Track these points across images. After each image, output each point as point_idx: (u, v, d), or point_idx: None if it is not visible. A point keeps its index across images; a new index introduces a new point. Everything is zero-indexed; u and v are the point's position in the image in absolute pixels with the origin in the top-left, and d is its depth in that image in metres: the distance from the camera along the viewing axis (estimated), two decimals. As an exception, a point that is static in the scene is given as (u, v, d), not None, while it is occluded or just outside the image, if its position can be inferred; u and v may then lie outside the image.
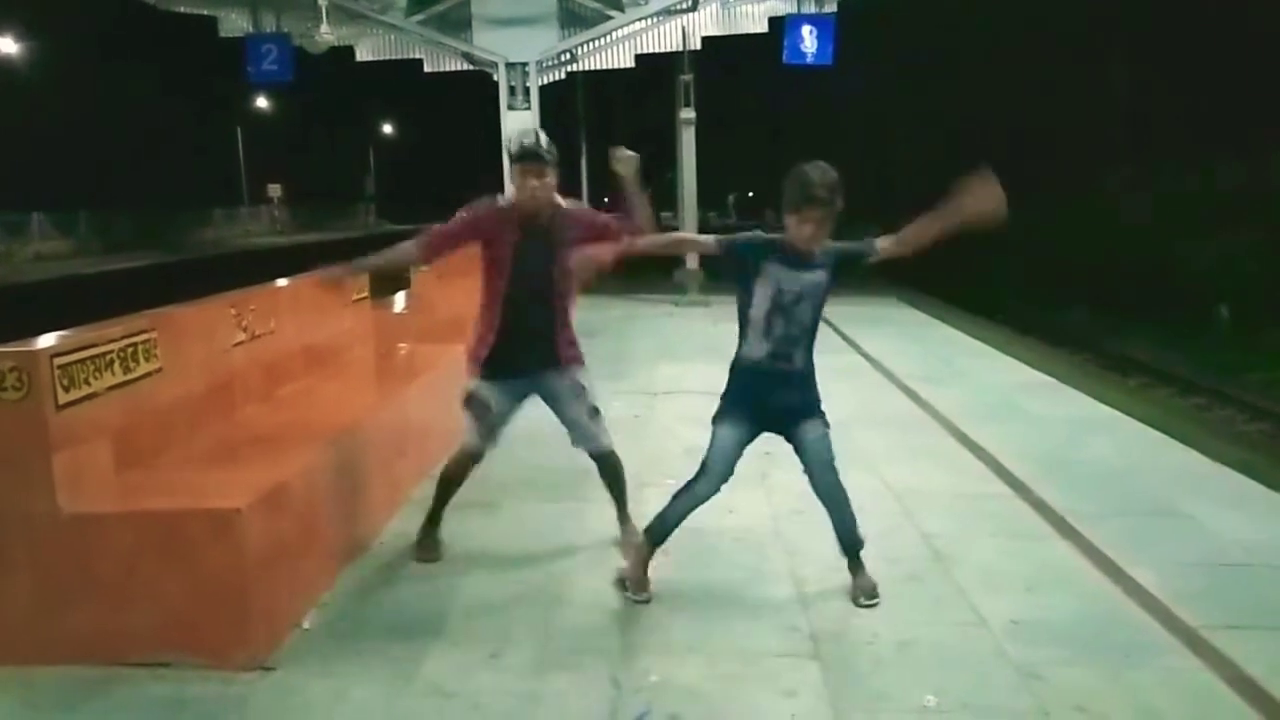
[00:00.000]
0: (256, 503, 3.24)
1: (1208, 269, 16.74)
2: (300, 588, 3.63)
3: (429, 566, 4.04)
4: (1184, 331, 14.95)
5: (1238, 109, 21.56)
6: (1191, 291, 16.33)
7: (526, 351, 3.91)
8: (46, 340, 3.25)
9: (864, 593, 3.73)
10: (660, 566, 3.96)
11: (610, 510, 4.26)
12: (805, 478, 3.72)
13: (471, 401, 3.97)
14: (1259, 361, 12.83)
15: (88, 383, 3.25)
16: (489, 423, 3.96)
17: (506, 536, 4.19)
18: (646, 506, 3.94)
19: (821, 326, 3.59)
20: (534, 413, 4.10)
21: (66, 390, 3.14)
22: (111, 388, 3.38)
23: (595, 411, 4.02)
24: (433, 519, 4.19)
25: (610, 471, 4.15)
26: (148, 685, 3.11)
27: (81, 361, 3.23)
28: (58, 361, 3.12)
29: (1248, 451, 7.42)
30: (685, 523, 4.25)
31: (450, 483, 4.13)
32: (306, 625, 3.53)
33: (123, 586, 3.18)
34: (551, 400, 4.03)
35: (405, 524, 4.56)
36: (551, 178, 3.78)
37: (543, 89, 13.51)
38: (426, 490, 4.03)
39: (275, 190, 50.84)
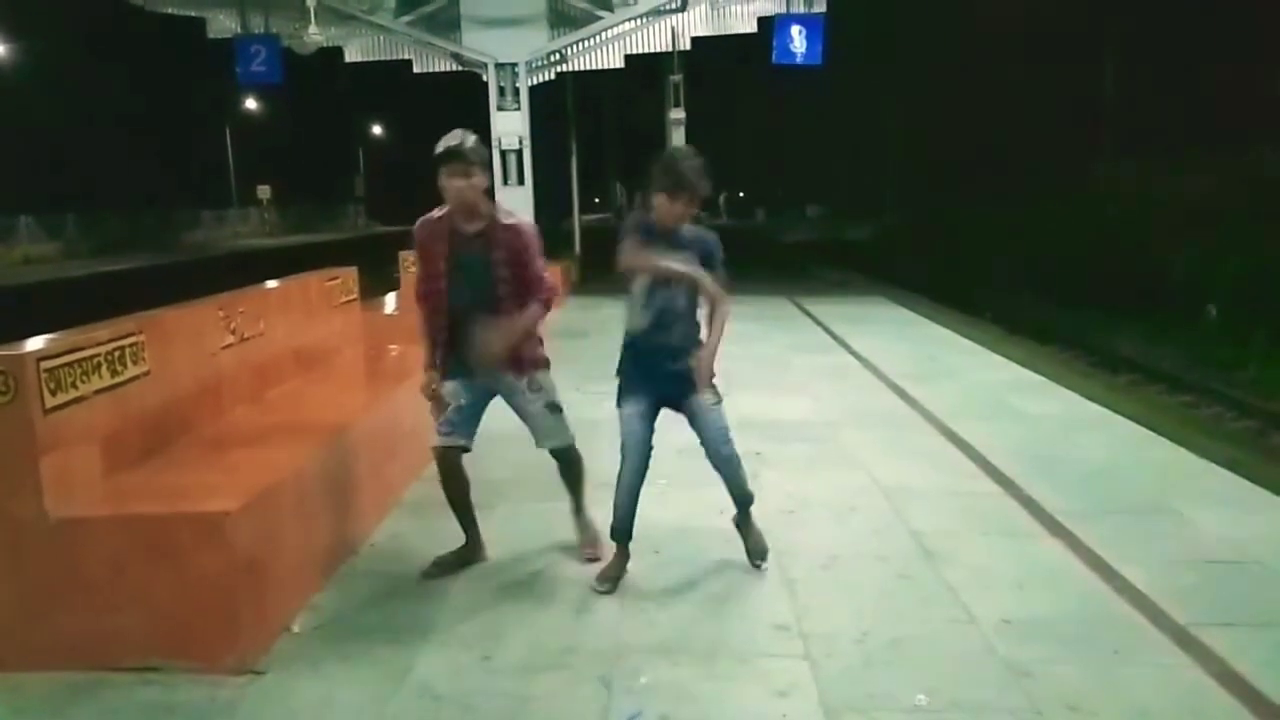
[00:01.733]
0: (245, 506, 3.23)
1: (1195, 267, 16.78)
2: (290, 591, 3.61)
3: (418, 568, 4.01)
4: (1172, 329, 15.00)
5: (1226, 107, 21.67)
6: (1180, 289, 16.38)
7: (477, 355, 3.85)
8: (33, 343, 3.24)
9: (757, 555, 3.95)
10: (651, 567, 3.96)
11: (598, 511, 4.23)
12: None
13: (434, 404, 3.94)
14: (1247, 359, 12.88)
15: (75, 386, 3.23)
16: (448, 417, 3.89)
17: (497, 537, 4.17)
18: (639, 506, 3.92)
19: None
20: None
21: (54, 394, 3.12)
22: (99, 391, 3.37)
23: (556, 408, 3.93)
24: (466, 535, 4.12)
25: (567, 466, 4.08)
26: (136, 690, 3.09)
27: (69, 365, 3.21)
28: (44, 365, 3.10)
29: (1236, 449, 7.46)
30: (674, 522, 4.26)
31: (450, 493, 4.02)
32: (296, 629, 3.52)
33: (111, 591, 3.16)
34: (509, 399, 3.96)
35: (396, 526, 4.55)
36: (479, 178, 3.70)
37: (532, 89, 13.50)
38: (417, 492, 4.01)
39: (265, 192, 50.66)
